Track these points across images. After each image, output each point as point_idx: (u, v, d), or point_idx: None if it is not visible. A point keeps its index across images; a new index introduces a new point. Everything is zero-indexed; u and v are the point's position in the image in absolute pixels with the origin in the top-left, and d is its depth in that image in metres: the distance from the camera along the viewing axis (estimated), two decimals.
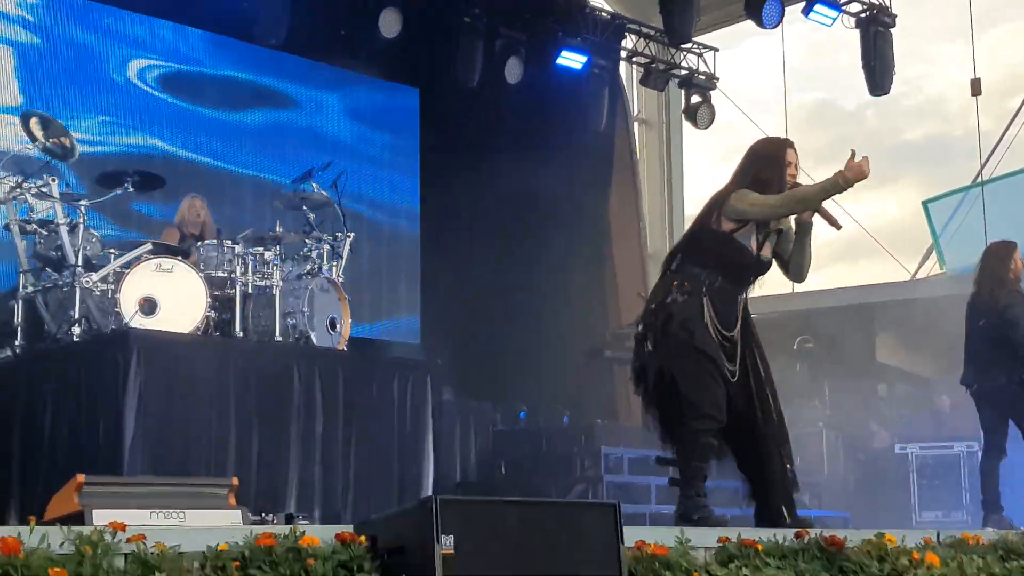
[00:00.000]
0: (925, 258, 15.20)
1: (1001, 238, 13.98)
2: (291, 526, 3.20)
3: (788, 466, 5.04)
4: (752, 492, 5.10)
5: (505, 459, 9.99)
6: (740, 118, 14.78)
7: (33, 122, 7.33)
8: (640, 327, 5.12)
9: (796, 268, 5.06)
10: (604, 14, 12.74)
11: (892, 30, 11.81)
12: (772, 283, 5.31)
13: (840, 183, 4.73)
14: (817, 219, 4.99)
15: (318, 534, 3.17)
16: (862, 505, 10.69)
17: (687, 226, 5.40)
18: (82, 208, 6.98)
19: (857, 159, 4.73)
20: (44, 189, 6.96)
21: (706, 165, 17.36)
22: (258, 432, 6.80)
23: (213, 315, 7.22)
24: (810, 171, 15.06)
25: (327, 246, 8.09)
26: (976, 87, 13.71)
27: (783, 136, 5.39)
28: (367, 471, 7.26)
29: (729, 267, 4.94)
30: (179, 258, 7.09)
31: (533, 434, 10.54)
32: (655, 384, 5.00)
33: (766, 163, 5.01)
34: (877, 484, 11.64)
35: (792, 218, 5.04)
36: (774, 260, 5.09)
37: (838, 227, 4.97)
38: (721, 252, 4.92)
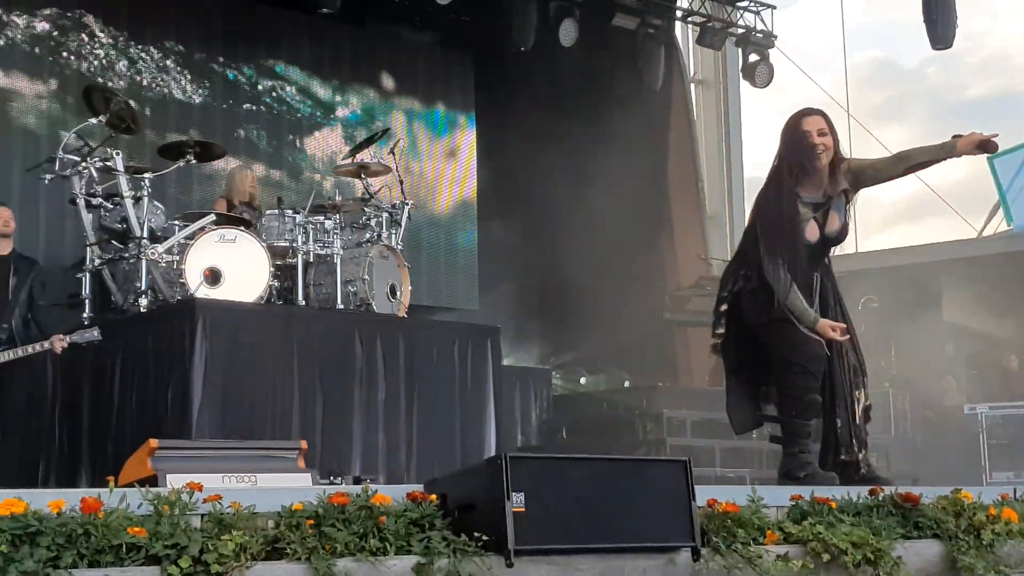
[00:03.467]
0: (991, 215, 14.91)
1: None
2: (363, 485, 3.20)
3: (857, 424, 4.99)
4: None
5: (566, 424, 9.98)
6: (797, 78, 14.60)
7: (96, 96, 7.39)
8: (719, 309, 5.12)
9: (871, 167, 5.00)
10: None
11: None
12: None
13: (947, 151, 4.77)
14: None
15: (389, 493, 3.17)
16: (931, 466, 10.54)
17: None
18: (146, 180, 7.04)
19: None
20: (108, 163, 7.03)
21: (764, 125, 17.12)
22: (321, 398, 6.87)
23: (275, 284, 7.29)
24: (872, 129, 14.92)
25: (386, 214, 8.09)
26: None
27: (827, 101, 5.31)
28: (429, 436, 7.30)
29: (801, 249, 4.89)
30: (242, 228, 7.15)
31: (593, 398, 10.53)
32: (744, 352, 5.04)
33: (790, 148, 4.93)
34: (946, 444, 11.48)
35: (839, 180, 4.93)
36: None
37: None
38: (793, 240, 4.87)
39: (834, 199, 4.92)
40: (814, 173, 4.88)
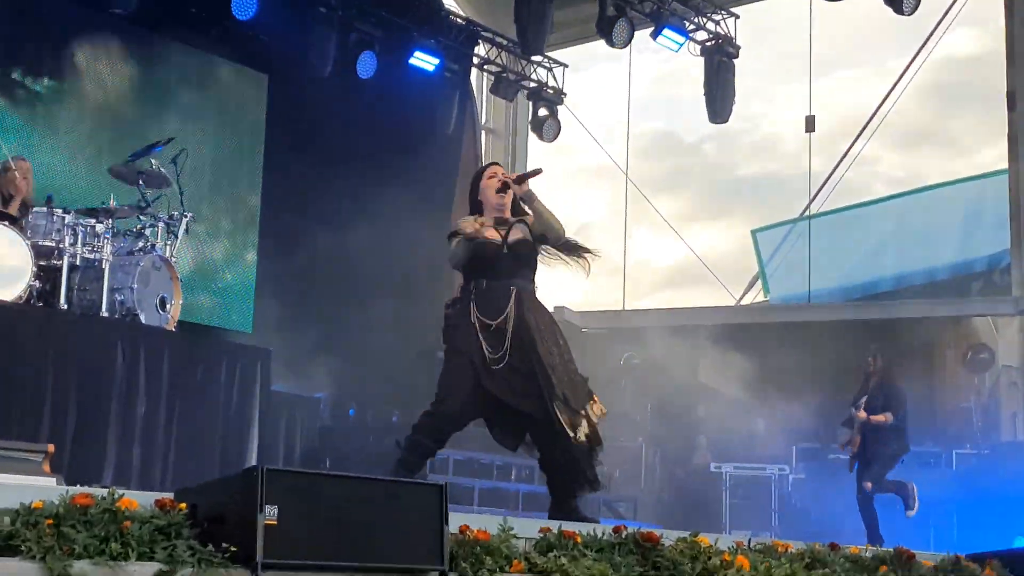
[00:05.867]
0: (750, 286, 15.79)
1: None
2: (109, 489, 3.10)
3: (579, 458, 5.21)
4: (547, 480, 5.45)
5: (331, 455, 9.88)
6: (584, 142, 15.12)
7: None
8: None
9: (547, 229, 5.34)
10: (459, 19, 12.81)
11: (735, 61, 12.27)
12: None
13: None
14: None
15: (137, 499, 3.09)
16: (676, 520, 11.01)
17: None
18: None
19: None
20: None
21: (549, 182, 17.61)
22: (75, 407, 6.59)
23: (37, 285, 6.96)
24: (650, 197, 15.63)
25: (162, 224, 7.88)
26: (810, 124, 14.37)
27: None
28: (188, 456, 7.13)
29: (485, 267, 5.23)
30: (5, 223, 6.81)
31: (360, 431, 10.49)
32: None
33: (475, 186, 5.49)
34: (691, 500, 12.02)
35: (513, 197, 5.37)
36: (537, 240, 5.37)
37: (538, 172, 5.54)
38: (473, 258, 5.23)
39: (512, 224, 5.31)
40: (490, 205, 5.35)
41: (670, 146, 19.74)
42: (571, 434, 5.11)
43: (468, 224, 5.19)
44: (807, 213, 14.87)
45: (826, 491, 10.93)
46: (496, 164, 5.68)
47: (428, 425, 5.27)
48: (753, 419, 13.38)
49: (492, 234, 5.25)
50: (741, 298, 15.74)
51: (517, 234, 5.28)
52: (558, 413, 5.10)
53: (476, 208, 5.41)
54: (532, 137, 13.88)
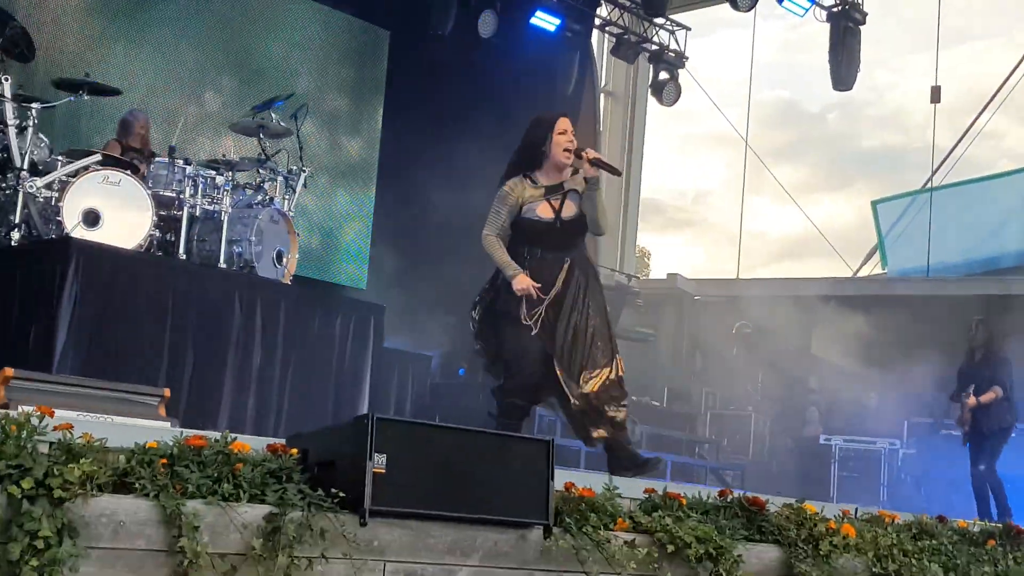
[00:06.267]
0: (868, 257, 15.43)
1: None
2: (223, 432, 3.16)
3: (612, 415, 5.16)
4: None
5: (440, 413, 9.99)
6: (703, 107, 14.92)
7: None
8: (475, 304, 5.44)
9: (591, 223, 5.24)
10: None
11: (861, 28, 11.91)
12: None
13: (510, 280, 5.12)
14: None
15: (250, 444, 3.14)
16: (783, 490, 10.84)
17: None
18: (33, 111, 6.82)
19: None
20: None
21: (664, 149, 17.44)
22: (192, 356, 6.74)
23: (157, 234, 7.13)
24: (771, 167, 15.30)
25: (281, 178, 8.00)
26: (936, 94, 13.92)
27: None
28: (300, 407, 7.23)
29: (537, 238, 5.16)
30: (128, 172, 6.97)
31: (470, 390, 10.55)
32: (484, 350, 5.38)
33: (535, 135, 5.28)
34: (800, 471, 11.84)
35: (580, 176, 5.23)
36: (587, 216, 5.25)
37: (618, 173, 5.46)
38: (523, 229, 5.17)
39: (567, 192, 5.19)
40: (553, 161, 5.19)
41: (793, 115, 19.35)
42: (569, 396, 5.10)
43: (510, 267, 5.13)
44: (930, 184, 14.43)
45: (938, 467, 10.67)
46: (566, 117, 5.34)
47: (515, 387, 5.17)
48: (866, 391, 13.09)
49: (544, 210, 5.15)
50: (858, 270, 15.39)
51: (571, 210, 5.18)
52: (559, 372, 5.10)
53: (536, 156, 5.22)
54: (651, 101, 13.69)
